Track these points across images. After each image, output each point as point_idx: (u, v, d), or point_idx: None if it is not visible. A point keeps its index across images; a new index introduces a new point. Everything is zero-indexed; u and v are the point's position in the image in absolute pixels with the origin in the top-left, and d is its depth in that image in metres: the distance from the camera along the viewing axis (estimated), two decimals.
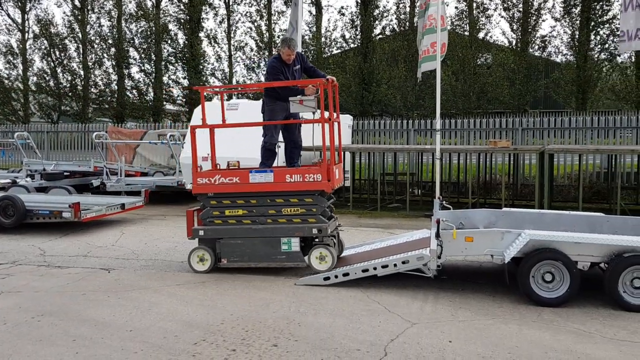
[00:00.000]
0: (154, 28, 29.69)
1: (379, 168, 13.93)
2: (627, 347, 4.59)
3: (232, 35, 30.05)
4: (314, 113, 7.24)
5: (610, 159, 12.96)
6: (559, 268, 5.70)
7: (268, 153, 7.62)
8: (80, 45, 30.76)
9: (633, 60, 22.24)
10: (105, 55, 30.91)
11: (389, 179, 14.98)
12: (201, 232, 6.96)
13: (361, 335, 4.83)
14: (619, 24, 21.25)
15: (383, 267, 6.32)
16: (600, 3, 21.62)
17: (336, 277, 6.37)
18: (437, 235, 6.11)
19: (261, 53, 29.50)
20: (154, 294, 6.11)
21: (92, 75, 31.09)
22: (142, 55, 30.46)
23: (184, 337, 4.78)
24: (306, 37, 27.50)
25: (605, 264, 5.73)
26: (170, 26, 30.26)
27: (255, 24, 29.27)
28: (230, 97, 29.14)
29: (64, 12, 37.10)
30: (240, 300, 5.85)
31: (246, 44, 29.79)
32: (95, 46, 30.91)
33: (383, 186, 13.70)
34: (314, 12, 28.23)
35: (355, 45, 27.28)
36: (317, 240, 6.78)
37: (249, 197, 6.89)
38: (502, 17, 24.30)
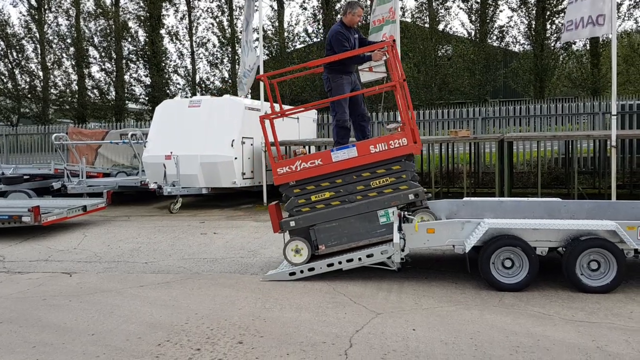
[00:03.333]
0: (113, 26, 29.11)
1: None
2: (585, 328, 4.73)
3: (193, 31, 29.73)
4: (384, 79, 7.02)
5: (567, 145, 13.29)
6: (518, 254, 5.83)
7: (343, 131, 7.27)
8: (38, 46, 29.99)
9: (588, 48, 22.83)
10: (64, 55, 30.23)
11: None
12: (292, 223, 6.63)
13: (327, 327, 4.86)
14: None
15: (348, 261, 6.37)
16: None
17: (302, 272, 6.39)
18: (400, 229, 6.18)
19: (224, 49, 29.27)
20: (116, 296, 6.02)
21: (52, 76, 30.37)
22: (102, 54, 29.89)
23: (148, 338, 4.73)
24: (269, 32, 27.37)
25: (562, 248, 5.89)
26: (130, 24, 29.77)
27: (217, 19, 29.03)
28: (194, 94, 28.97)
29: (20, 12, 35.95)
30: (205, 298, 5.81)
31: (208, 40, 29.60)
32: (54, 46, 30.19)
33: None
34: (275, 7, 28.10)
35: (319, 40, 27.26)
36: (414, 205, 6.61)
37: (333, 177, 6.61)
38: (460, 8, 24.64)
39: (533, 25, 22.43)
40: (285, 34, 27.44)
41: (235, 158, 12.46)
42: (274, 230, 6.87)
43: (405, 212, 6.48)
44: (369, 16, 13.81)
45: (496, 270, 5.88)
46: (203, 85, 30.04)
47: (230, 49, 28.82)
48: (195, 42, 29.65)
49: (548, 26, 22.35)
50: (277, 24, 27.79)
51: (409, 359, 4.17)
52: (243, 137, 12.77)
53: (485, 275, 5.87)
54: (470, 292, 5.82)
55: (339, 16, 7.34)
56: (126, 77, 30.10)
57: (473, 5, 24.22)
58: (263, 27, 26.33)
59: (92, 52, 30.08)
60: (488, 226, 5.88)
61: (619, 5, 21.94)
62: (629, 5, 22.00)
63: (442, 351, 4.29)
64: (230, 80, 29.04)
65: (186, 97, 27.73)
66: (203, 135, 12.57)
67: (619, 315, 5.03)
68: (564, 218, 7.04)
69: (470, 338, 4.55)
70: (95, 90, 30.61)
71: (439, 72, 23.75)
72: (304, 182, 6.65)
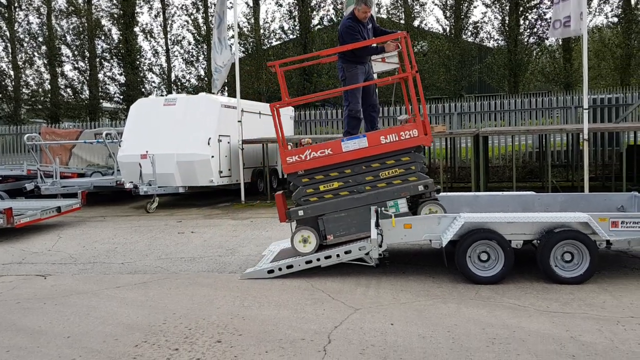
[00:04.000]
0: (86, 24, 28.63)
1: None
2: (559, 318, 4.82)
3: (168, 29, 29.39)
4: (397, 70, 7.01)
5: (541, 138, 13.49)
6: (493, 247, 5.91)
7: (354, 121, 7.16)
8: (9, 44, 29.31)
9: (560, 43, 23.17)
10: (36, 53, 29.60)
11: None
12: (300, 212, 6.61)
13: (305, 324, 4.86)
14: (546, 9, 22.17)
15: (326, 257, 6.37)
16: None
17: (280, 269, 6.39)
18: (377, 225, 6.20)
19: (199, 46, 29.01)
20: (92, 297, 5.95)
21: (23, 75, 29.72)
22: (75, 53, 29.37)
23: (125, 339, 4.68)
24: (244, 29, 27.21)
25: (537, 240, 5.98)
26: (103, 21, 29.30)
27: (192, 16, 28.73)
28: (170, 92, 28.67)
29: None
30: (183, 298, 5.77)
31: (183, 37, 29.25)
32: (25, 44, 29.54)
33: None
34: (251, 4, 27.95)
35: (295, 36, 27.19)
36: (424, 196, 6.61)
37: (342, 167, 6.61)
38: (435, 4, 24.79)
39: (507, 21, 22.69)
40: (261, 31, 27.31)
41: (212, 156, 12.40)
42: (280, 219, 6.86)
43: (383, 208, 6.51)
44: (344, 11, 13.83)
45: (472, 263, 5.95)
46: (179, 84, 29.76)
47: (205, 47, 28.56)
48: (170, 39, 29.33)
49: (521, 22, 22.61)
50: (252, 20, 27.62)
51: (387, 353, 4.19)
52: (220, 135, 12.71)
53: (462, 268, 5.94)
54: (447, 285, 5.87)
55: (351, 8, 7.34)
56: (100, 75, 29.62)
57: (448, 2, 24.39)
58: (238, 24, 26.20)
59: (65, 50, 29.54)
60: (464, 220, 5.95)
61: (590, 0, 22.32)
62: (599, 1, 22.27)
63: (420, 345, 4.33)
64: (206, 78, 28.79)
65: (162, 95, 27.45)
66: (179, 133, 12.47)
67: (592, 305, 5.12)
68: (538, 211, 7.16)
69: (447, 331, 4.60)
70: (68, 90, 30.07)
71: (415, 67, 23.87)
72: (313, 172, 6.64)
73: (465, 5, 24.02)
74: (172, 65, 29.83)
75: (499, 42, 24.32)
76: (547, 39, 22.70)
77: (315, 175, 6.64)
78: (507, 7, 22.86)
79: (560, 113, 14.97)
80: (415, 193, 6.57)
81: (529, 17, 22.67)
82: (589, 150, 10.59)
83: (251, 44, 27.22)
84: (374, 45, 6.97)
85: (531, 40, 23.08)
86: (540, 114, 15.27)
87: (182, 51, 29.35)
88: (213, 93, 14.57)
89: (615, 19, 22.97)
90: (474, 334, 4.51)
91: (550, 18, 12.04)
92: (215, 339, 4.61)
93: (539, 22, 22.46)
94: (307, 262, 6.40)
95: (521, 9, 22.46)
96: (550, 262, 5.81)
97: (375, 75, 7.39)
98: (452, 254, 6.10)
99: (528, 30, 22.71)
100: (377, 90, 7.50)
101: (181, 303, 5.60)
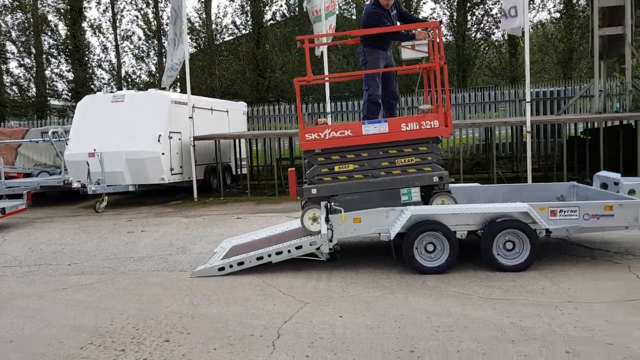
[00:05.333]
0: (31, 19, 27.63)
1: (276, 153, 14.00)
2: (501, 305, 5.00)
3: (117, 24, 28.70)
4: (426, 59, 6.91)
5: (487, 131, 13.88)
6: (439, 238, 6.07)
7: (374, 107, 7.11)
8: None
9: (506, 38, 23.83)
10: None
11: (287, 164, 15.11)
12: (314, 191, 6.55)
13: (255, 320, 4.89)
14: (492, 5, 22.73)
15: (277, 253, 6.41)
16: None
17: (231, 266, 6.38)
18: (327, 220, 6.28)
19: (150, 42, 28.46)
20: (38, 300, 5.80)
21: None
22: (21, 49, 28.32)
23: (70, 342, 4.60)
24: (196, 24, 26.85)
25: (481, 230, 6.18)
26: (50, 17, 28.36)
27: (142, 11, 28.15)
28: (120, 88, 28.01)
29: None
30: (131, 298, 5.70)
31: (133, 32, 28.66)
32: None
33: (280, 171, 13.81)
34: None
35: (248, 32, 27.01)
36: (437, 188, 6.59)
37: (359, 150, 6.57)
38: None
39: (455, 17, 23.17)
40: (213, 26, 27.00)
41: (163, 153, 12.22)
42: (291, 196, 6.87)
43: (332, 203, 6.58)
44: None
45: (419, 254, 6.10)
46: (129, 80, 29.13)
47: (156, 42, 28.06)
48: (119, 35, 28.67)
49: (469, 17, 23.14)
50: (204, 15, 27.27)
51: (335, 345, 4.27)
52: (170, 132, 12.54)
53: (410, 260, 6.08)
54: (395, 277, 6.00)
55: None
56: (47, 72, 28.69)
57: None
58: (190, 19, 25.81)
59: (10, 47, 28.46)
60: (411, 213, 6.09)
61: None
62: None
63: (367, 336, 4.42)
64: (157, 74, 28.28)
65: (111, 92, 26.80)
66: (128, 130, 12.23)
67: (532, 291, 5.34)
68: (483, 202, 7.38)
69: (394, 321, 4.71)
70: (14, 87, 29.00)
71: None
72: (330, 152, 6.61)
73: (415, 1, 24.39)
74: (122, 61, 29.20)
75: (448, 37, 24.84)
76: (493, 34, 23.30)
77: (332, 155, 6.64)
78: (455, 3, 23.34)
79: (506, 106, 15.43)
80: (430, 183, 6.60)
81: (476, 13, 23.25)
82: (532, 142, 10.96)
83: (203, 39, 26.88)
84: (404, 31, 6.96)
85: (478, 35, 23.67)
86: (488, 107, 15.70)
87: (132, 47, 28.77)
88: (164, 89, 14.35)
89: (558, 15, 23.80)
90: (420, 323, 4.64)
91: (496, 14, 12.50)
92: (163, 338, 4.58)
93: (486, 17, 23.07)
94: (258, 259, 6.42)
95: (468, 4, 22.98)
96: (493, 251, 6.01)
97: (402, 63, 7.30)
98: (400, 246, 6.22)
99: (475, 26, 23.28)
100: (397, 79, 7.50)
101: (129, 303, 5.53)
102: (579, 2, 22.61)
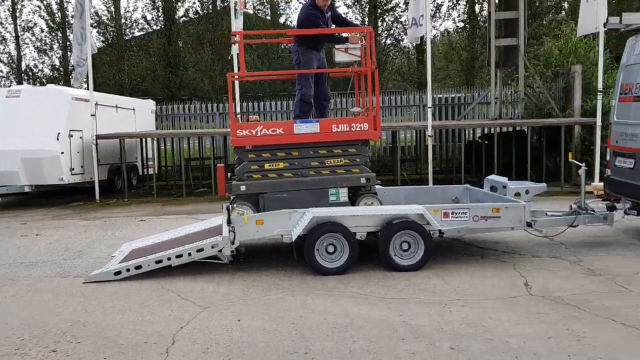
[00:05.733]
0: None
1: (185, 154, 13.73)
2: (395, 304, 5.19)
3: (17, 14, 26.92)
4: (358, 62, 7.02)
5: (392, 135, 14.36)
6: (339, 240, 6.22)
7: (306, 106, 7.17)
8: None
9: (414, 45, 24.72)
10: None
11: (197, 164, 14.86)
12: (243, 188, 6.54)
13: (150, 327, 4.77)
14: (401, 12, 23.53)
15: (177, 256, 6.28)
16: None
17: (128, 270, 6.19)
18: (229, 222, 6.24)
19: (53, 34, 26.93)
20: None
21: None
22: None
23: None
24: (104, 18, 25.74)
25: (380, 232, 6.38)
26: None
27: (45, 2, 26.56)
28: (20, 82, 26.30)
29: None
30: (19, 306, 5.39)
31: (35, 24, 26.94)
32: None
33: (189, 171, 13.56)
34: None
35: (159, 28, 26.23)
36: (364, 189, 6.71)
37: (290, 149, 6.61)
38: (300, 2, 25.21)
39: (366, 22, 23.73)
40: (123, 20, 25.99)
41: (62, 152, 11.65)
42: (219, 192, 6.89)
43: (235, 204, 6.56)
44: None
45: (320, 256, 6.21)
46: (30, 73, 27.40)
47: (60, 34, 26.60)
48: (20, 26, 26.89)
49: (380, 23, 23.78)
50: (112, 9, 26.18)
51: (231, 350, 4.26)
52: (71, 130, 11.97)
53: (311, 261, 6.18)
54: (297, 278, 6.07)
55: None
56: None
57: None
58: (97, 12, 24.74)
59: None
60: (312, 215, 6.18)
61: (439, 6, 24.15)
62: (448, 6, 24.16)
63: (264, 339, 4.44)
64: (62, 68, 26.85)
65: (10, 86, 25.15)
66: (24, 128, 11.54)
67: (424, 290, 5.59)
68: (385, 204, 7.62)
69: (292, 323, 4.77)
70: None
71: (282, 64, 24.12)
72: (260, 149, 6.64)
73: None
74: (22, 54, 27.42)
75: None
76: (402, 40, 24.10)
77: (262, 152, 6.68)
78: (367, 9, 23.91)
79: (412, 110, 16.05)
80: (357, 185, 6.78)
81: (387, 19, 23.92)
82: (434, 146, 11.45)
83: (111, 33, 25.80)
84: (338, 34, 7.15)
85: (388, 41, 24.38)
86: (397, 111, 16.24)
87: (33, 39, 27.06)
88: (77, 86, 13.65)
89: (462, 24, 25.01)
90: (317, 324, 4.73)
91: (405, 21, 12.94)
92: (51, 348, 4.38)
93: (395, 24, 23.82)
94: (158, 262, 6.27)
95: (379, 11, 23.62)
96: (390, 251, 6.23)
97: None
98: (302, 248, 6.31)
99: (385, 32, 23.97)
100: (329, 81, 7.69)
101: (16, 312, 5.23)
102: (482, 13, 23.87)
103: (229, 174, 7.03)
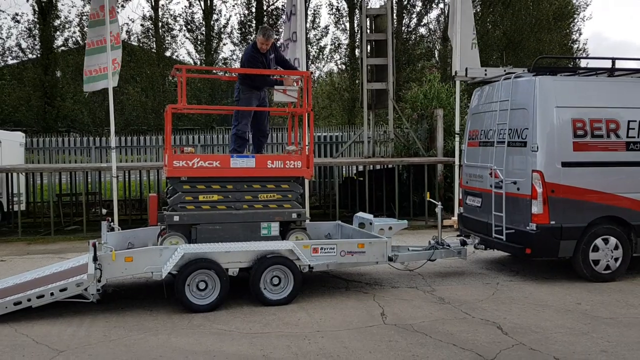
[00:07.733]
0: None
1: (57, 189, 13.08)
2: (258, 339, 5.32)
3: None
4: (294, 104, 7.42)
5: None
6: (211, 276, 6.26)
7: (240, 141, 7.56)
8: None
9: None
10: None
11: (68, 200, 14.18)
12: (176, 218, 6.60)
13: None
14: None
15: (39, 297, 5.98)
16: None
17: None
18: (95, 259, 6.08)
19: None
20: None
21: None
22: None
23: None
24: None
25: (252, 267, 6.51)
26: None
27: None
28: None
29: None
30: None
31: None
32: None
33: (59, 208, 12.90)
34: None
35: (35, 56, 24.96)
36: (294, 224, 6.98)
37: (225, 182, 6.79)
38: (187, 38, 25.27)
39: None
40: None
41: None
42: (150, 221, 7.01)
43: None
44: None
45: (191, 292, 6.21)
46: None
47: None
48: None
49: None
50: None
51: None
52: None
53: (181, 298, 6.16)
54: (162, 317, 6.02)
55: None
56: None
57: (199, 37, 25.10)
58: None
59: None
60: (184, 251, 6.21)
61: (323, 48, 25.32)
62: (330, 49, 25.39)
63: None
64: None
65: None
66: None
67: (288, 323, 5.79)
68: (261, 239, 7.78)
69: None
70: None
71: (167, 97, 23.84)
72: (196, 180, 6.76)
73: (215, 42, 24.98)
74: None
75: None
76: None
77: (197, 184, 6.75)
78: None
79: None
80: (289, 219, 7.02)
81: None
82: (314, 182, 11.80)
83: None
84: (274, 77, 7.59)
85: None
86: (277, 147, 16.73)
87: None
88: None
89: (344, 67, 26.32)
90: None
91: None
92: None
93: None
94: (16, 304, 5.93)
95: None
96: (261, 286, 6.38)
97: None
98: (173, 285, 6.27)
99: None
100: (268, 118, 8.12)
101: None
102: (363, 56, 25.31)
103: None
